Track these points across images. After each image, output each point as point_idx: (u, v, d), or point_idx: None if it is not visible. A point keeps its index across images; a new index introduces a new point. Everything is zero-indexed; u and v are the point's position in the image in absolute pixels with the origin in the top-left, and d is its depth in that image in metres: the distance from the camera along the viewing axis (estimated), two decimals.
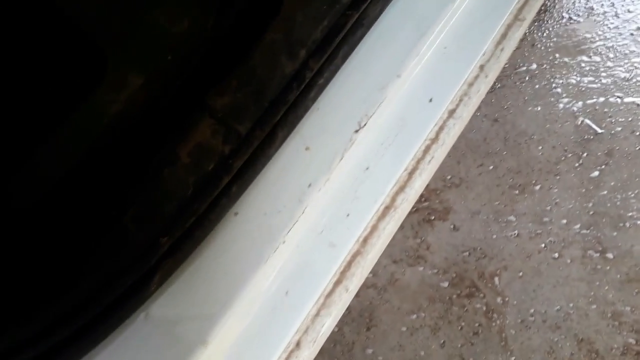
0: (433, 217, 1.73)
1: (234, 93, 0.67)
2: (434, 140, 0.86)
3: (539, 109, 1.79)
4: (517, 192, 1.71)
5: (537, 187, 1.71)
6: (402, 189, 0.84)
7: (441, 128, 0.87)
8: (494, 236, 1.68)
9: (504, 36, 0.92)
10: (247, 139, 0.66)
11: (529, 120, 1.78)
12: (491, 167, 1.75)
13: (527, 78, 1.83)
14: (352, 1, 0.73)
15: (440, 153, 0.87)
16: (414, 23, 0.79)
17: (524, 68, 1.84)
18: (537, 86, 1.82)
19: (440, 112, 0.86)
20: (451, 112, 0.87)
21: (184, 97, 0.64)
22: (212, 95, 0.66)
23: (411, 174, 0.85)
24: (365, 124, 0.79)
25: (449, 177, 1.76)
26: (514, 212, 1.70)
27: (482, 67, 0.89)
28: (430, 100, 0.85)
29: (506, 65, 1.81)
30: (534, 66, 1.84)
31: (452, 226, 1.71)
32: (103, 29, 0.63)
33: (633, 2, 1.92)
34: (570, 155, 1.74)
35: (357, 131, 0.77)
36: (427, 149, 0.86)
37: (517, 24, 0.92)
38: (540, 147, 1.75)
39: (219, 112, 0.65)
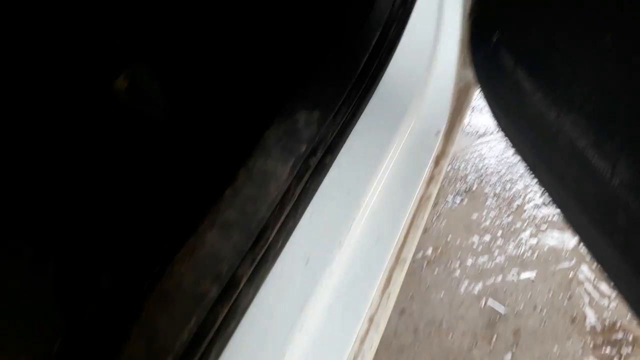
0: None
1: None
2: None
3: (443, 294, 1.84)
4: None
5: None
6: None
7: None
8: None
9: (388, 281, 0.92)
10: None
11: (435, 308, 1.81)
12: None
13: (425, 264, 1.90)
14: (221, 293, 0.69)
15: None
16: (292, 294, 0.76)
17: (421, 254, 1.92)
18: (436, 271, 1.88)
19: None
20: None
21: None
22: None
23: None
24: None
25: None
26: None
27: (371, 319, 0.87)
28: None
29: None
30: (430, 251, 1.93)
31: None
32: None
33: (509, 180, 2.11)
34: (480, 340, 1.76)
35: None
36: None
37: (400, 265, 0.93)
38: (450, 335, 1.76)
39: None
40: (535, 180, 0.83)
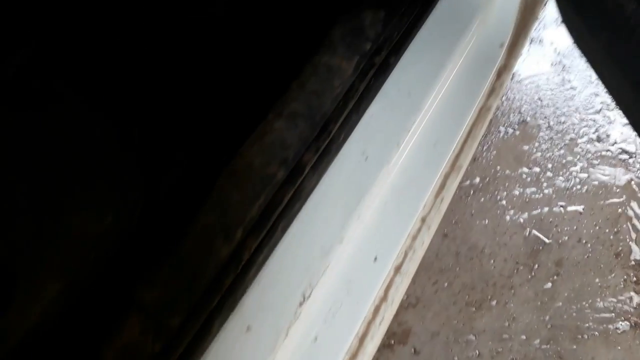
0: (393, 342, 1.70)
1: (165, 284, 0.64)
2: (383, 299, 0.85)
3: (487, 222, 1.85)
4: (474, 309, 1.71)
5: (494, 303, 1.72)
6: (354, 357, 0.81)
7: (389, 286, 0.86)
8: (456, 358, 1.66)
9: (442, 186, 0.95)
10: (180, 334, 0.62)
11: (478, 234, 1.83)
12: (446, 284, 1.76)
13: (472, 192, 1.90)
14: (288, 176, 0.73)
15: (390, 312, 0.85)
16: (352, 186, 0.80)
17: (468, 182, 1.92)
18: (482, 199, 1.89)
19: (386, 270, 0.85)
20: (397, 268, 0.87)
21: (111, 294, 0.61)
22: (141, 289, 0.63)
23: (362, 339, 0.82)
24: (310, 295, 0.76)
25: (405, 297, 1.75)
26: (474, 331, 1.69)
27: (424, 220, 0.91)
28: (375, 259, 0.85)
29: None
30: (478, 180, 1.92)
31: (412, 350, 1.69)
32: (10, 248, 0.60)
33: (564, 113, 2.07)
34: (522, 267, 1.78)
35: (301, 303, 0.74)
36: (376, 309, 0.84)
37: (454, 172, 0.95)
38: (492, 261, 1.78)
39: (148, 306, 0.62)
40: (603, 83, 0.82)
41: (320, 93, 0.82)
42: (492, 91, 1.08)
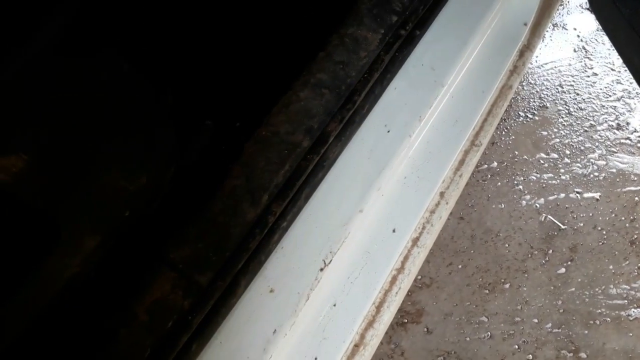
0: (406, 320, 1.73)
1: (195, 243, 0.67)
2: (400, 270, 0.87)
3: (503, 206, 1.86)
4: (487, 291, 1.73)
5: (507, 286, 1.73)
6: (371, 324, 0.84)
7: (406, 257, 0.88)
8: (467, 339, 1.67)
9: (461, 163, 0.96)
10: (208, 291, 0.65)
11: (494, 218, 1.84)
12: (460, 266, 1.78)
13: (489, 176, 1.91)
14: (312, 145, 0.75)
15: (406, 283, 0.87)
16: (373, 157, 0.81)
17: (485, 166, 1.92)
18: (499, 184, 1.89)
19: (404, 242, 0.88)
20: (415, 241, 0.89)
21: (144, 251, 0.63)
22: (172, 247, 0.65)
23: (379, 307, 0.85)
24: (330, 261, 0.79)
25: (419, 277, 1.78)
26: (486, 313, 1.71)
27: (442, 194, 0.93)
28: (394, 230, 0.87)
29: None
30: (495, 164, 1.93)
31: (425, 329, 1.71)
32: (53, 199, 0.63)
33: (584, 100, 2.06)
34: (536, 252, 1.79)
35: (322, 269, 0.77)
36: (393, 279, 0.86)
37: (474, 149, 0.96)
38: (506, 245, 1.80)
39: (179, 263, 0.65)
40: (625, 62, 0.82)
41: (346, 64, 0.84)
42: (514, 70, 1.08)
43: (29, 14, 0.62)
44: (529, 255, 1.86)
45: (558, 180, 1.97)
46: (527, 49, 1.12)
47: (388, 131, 0.88)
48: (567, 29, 2.30)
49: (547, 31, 2.29)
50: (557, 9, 1.32)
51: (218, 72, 0.82)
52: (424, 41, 0.91)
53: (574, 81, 2.17)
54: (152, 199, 0.70)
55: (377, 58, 0.85)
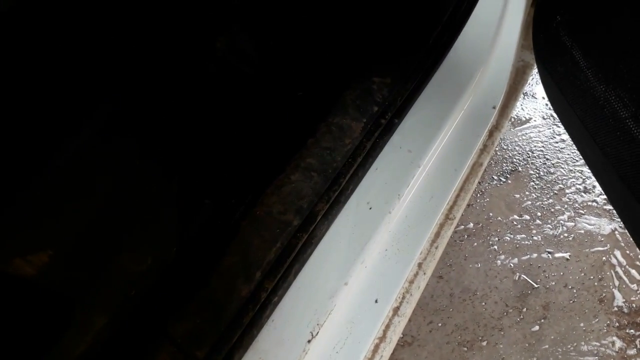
0: None
1: (193, 319, 0.72)
2: (382, 339, 0.92)
3: (480, 265, 1.92)
4: (465, 349, 1.77)
5: (484, 343, 1.78)
6: None
7: (388, 326, 0.93)
8: None
9: (437, 235, 1.02)
10: None
11: (471, 277, 1.90)
12: (440, 324, 1.82)
13: (466, 236, 1.98)
14: (302, 223, 0.81)
15: (388, 351, 0.92)
16: (357, 232, 0.88)
17: (462, 227, 2.00)
18: (475, 244, 1.97)
19: (385, 312, 0.93)
20: (396, 310, 0.94)
21: (147, 326, 0.68)
22: (173, 322, 0.70)
23: None
24: (317, 333, 0.83)
25: (401, 335, 1.80)
26: None
27: (420, 265, 0.98)
28: (376, 301, 0.92)
29: None
30: (471, 225, 2.01)
31: None
32: (70, 283, 0.69)
33: (554, 164, 2.17)
34: (511, 310, 1.85)
35: (309, 341, 0.81)
36: (376, 348, 0.91)
37: (448, 222, 1.03)
38: (483, 303, 1.85)
39: (178, 338, 0.69)
40: (579, 150, 0.92)
41: (332, 149, 0.92)
42: (484, 149, 1.18)
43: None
44: (505, 313, 1.92)
45: (530, 241, 2.06)
46: (496, 129, 1.22)
47: (370, 208, 0.95)
48: (536, 98, 2.45)
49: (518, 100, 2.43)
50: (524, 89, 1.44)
51: (218, 157, 0.89)
52: (401, 127, 1.00)
53: (543, 147, 2.30)
54: (156, 278, 0.75)
55: (360, 144, 0.94)
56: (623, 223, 0.84)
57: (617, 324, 1.88)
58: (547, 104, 2.42)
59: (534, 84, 2.50)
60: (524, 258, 2.03)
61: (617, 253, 2.03)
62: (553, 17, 0.93)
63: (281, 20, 1.01)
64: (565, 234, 2.08)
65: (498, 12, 1.18)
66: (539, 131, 2.36)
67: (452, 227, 1.09)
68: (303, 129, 0.92)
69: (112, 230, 0.75)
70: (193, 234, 0.81)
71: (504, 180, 2.21)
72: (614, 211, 2.01)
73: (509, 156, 2.27)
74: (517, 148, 2.29)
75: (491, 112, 1.20)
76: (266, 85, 0.98)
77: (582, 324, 1.89)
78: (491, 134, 1.20)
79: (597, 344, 1.85)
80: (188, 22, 0.96)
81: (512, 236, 2.08)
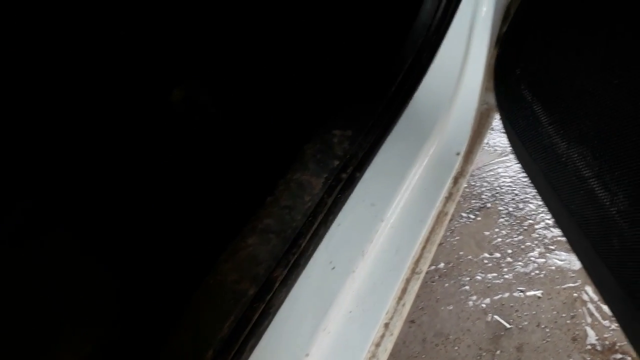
0: None
1: None
2: None
3: (452, 307, 1.90)
4: None
5: None
6: None
7: None
8: None
9: (404, 291, 0.98)
10: None
11: (443, 320, 1.87)
12: None
13: (437, 277, 1.96)
14: (258, 292, 0.76)
15: None
16: (319, 296, 0.83)
17: (433, 267, 1.97)
18: (446, 285, 1.94)
19: None
20: None
21: None
22: None
23: None
24: None
25: None
26: None
27: (387, 326, 0.94)
28: None
29: None
30: (442, 265, 1.99)
31: None
32: None
33: (522, 200, 2.17)
34: (485, 353, 1.81)
35: None
36: None
37: (415, 277, 0.99)
38: (456, 347, 1.82)
39: None
40: (544, 203, 0.90)
41: (292, 208, 0.88)
42: (449, 197, 1.15)
43: None
44: (478, 357, 1.88)
45: (502, 280, 2.05)
46: (461, 175, 1.20)
47: (333, 268, 0.91)
48: (503, 132, 2.48)
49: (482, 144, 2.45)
50: (492, 123, 1.44)
51: (169, 223, 0.84)
52: (363, 181, 0.97)
53: (512, 182, 2.31)
54: None
55: (320, 201, 0.90)
56: (590, 278, 0.83)
57: None
58: None
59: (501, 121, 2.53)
60: (495, 298, 2.01)
61: (588, 289, 2.03)
62: (513, 69, 0.92)
63: (239, 72, 0.98)
64: (537, 271, 2.07)
65: (460, 56, 1.17)
66: (507, 166, 2.37)
67: (419, 281, 1.05)
68: (261, 187, 0.88)
69: (53, 323, 0.68)
70: (138, 312, 0.75)
71: (473, 217, 2.21)
72: None
73: (478, 192, 2.27)
74: (485, 184, 2.29)
75: (455, 158, 1.18)
76: (223, 139, 0.94)
77: None
78: (456, 181, 1.18)
79: None
80: (144, 74, 0.93)
81: (483, 275, 2.06)
